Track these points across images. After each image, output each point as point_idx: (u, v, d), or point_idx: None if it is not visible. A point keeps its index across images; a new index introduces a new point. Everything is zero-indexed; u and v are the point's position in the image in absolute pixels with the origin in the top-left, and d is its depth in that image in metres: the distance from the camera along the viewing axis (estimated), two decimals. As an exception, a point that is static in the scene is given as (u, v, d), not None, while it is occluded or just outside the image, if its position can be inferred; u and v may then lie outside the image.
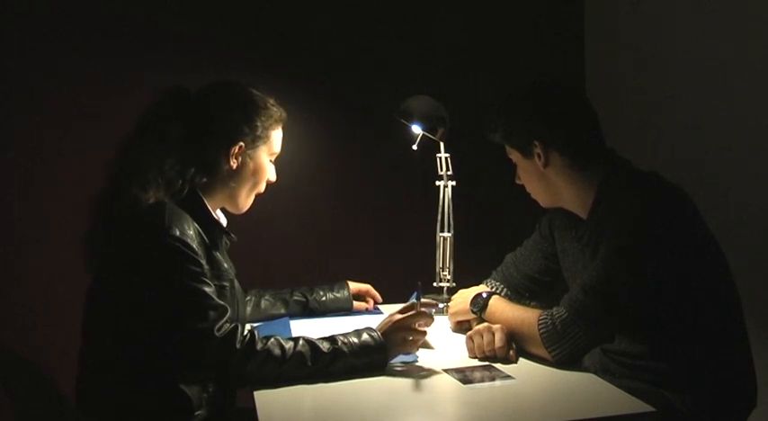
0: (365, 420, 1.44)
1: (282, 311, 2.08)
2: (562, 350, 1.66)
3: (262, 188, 1.84)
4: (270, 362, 1.56)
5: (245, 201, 1.82)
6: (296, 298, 2.10)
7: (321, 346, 1.59)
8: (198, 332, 1.54)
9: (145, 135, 1.69)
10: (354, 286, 2.17)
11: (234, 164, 1.73)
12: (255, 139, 1.75)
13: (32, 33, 2.57)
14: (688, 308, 1.66)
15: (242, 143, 1.73)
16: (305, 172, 2.88)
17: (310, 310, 2.10)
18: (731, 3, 2.34)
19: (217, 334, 1.54)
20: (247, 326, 1.98)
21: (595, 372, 1.68)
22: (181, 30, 2.72)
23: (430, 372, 1.66)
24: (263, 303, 2.08)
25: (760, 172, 2.24)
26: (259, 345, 1.56)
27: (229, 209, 1.83)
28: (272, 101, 1.80)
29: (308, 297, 2.10)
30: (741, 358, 1.70)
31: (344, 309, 2.13)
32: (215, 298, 1.58)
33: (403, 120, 2.24)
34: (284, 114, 1.83)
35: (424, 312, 1.71)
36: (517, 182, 1.91)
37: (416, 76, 2.89)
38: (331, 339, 1.62)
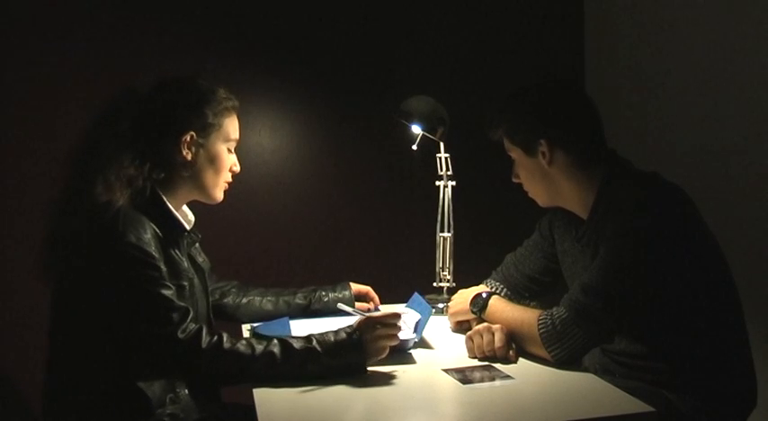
0: (365, 420, 1.44)
1: (284, 312, 2.08)
2: (562, 350, 1.66)
3: (227, 177, 1.82)
4: (238, 361, 1.56)
5: (213, 191, 1.79)
6: (298, 300, 2.09)
7: (294, 345, 1.59)
8: (162, 336, 1.56)
9: (97, 137, 1.69)
10: (355, 287, 2.16)
11: (187, 154, 1.72)
12: (206, 127, 1.73)
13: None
14: (688, 308, 1.66)
15: (192, 132, 1.71)
16: (305, 172, 2.89)
17: (313, 311, 2.09)
18: (732, 2, 2.34)
19: (181, 336, 1.55)
20: (246, 327, 1.99)
21: (595, 372, 1.68)
22: (180, 30, 2.72)
23: (430, 372, 1.66)
24: (266, 303, 2.08)
25: (760, 172, 2.24)
26: (227, 345, 1.57)
27: (202, 200, 1.82)
28: (222, 91, 1.78)
29: (311, 298, 2.10)
30: (741, 358, 1.70)
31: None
32: (175, 300, 1.59)
33: (403, 121, 2.24)
34: (236, 103, 1.81)
35: (397, 315, 1.69)
36: (514, 180, 1.90)
37: (416, 76, 2.90)
38: (306, 338, 1.62)
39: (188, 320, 1.58)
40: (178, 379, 1.65)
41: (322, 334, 1.63)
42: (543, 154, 1.77)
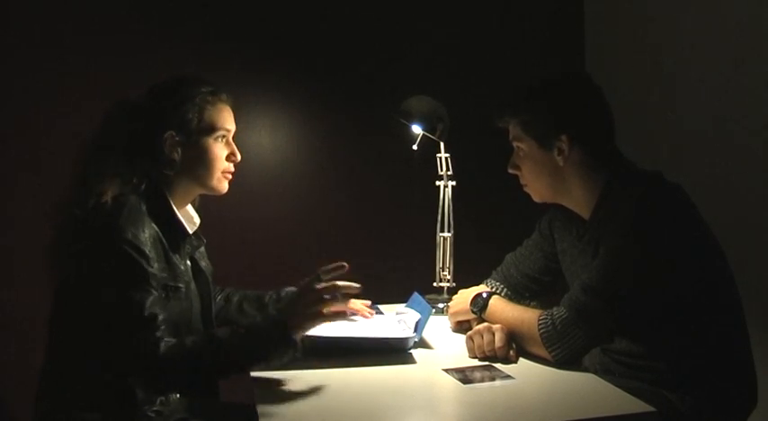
0: (365, 419, 1.44)
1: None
2: (562, 350, 1.66)
3: (225, 168, 1.81)
4: (176, 362, 1.55)
5: (212, 183, 1.79)
6: (271, 295, 2.06)
7: (219, 333, 1.59)
8: (117, 338, 1.55)
9: (94, 138, 1.73)
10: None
11: (171, 153, 1.73)
12: (185, 124, 1.73)
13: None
14: (688, 307, 1.65)
15: (171, 132, 1.73)
16: (305, 172, 2.89)
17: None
18: (732, 1, 2.34)
19: (134, 343, 1.54)
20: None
21: (595, 372, 1.67)
22: (180, 30, 2.72)
23: (430, 372, 1.66)
24: (245, 304, 2.05)
25: (761, 171, 2.24)
26: (164, 352, 1.54)
27: (206, 192, 1.83)
28: (204, 86, 1.78)
29: (281, 294, 2.06)
30: (741, 358, 1.70)
31: None
32: (147, 306, 1.57)
33: (403, 120, 2.24)
34: (222, 95, 1.80)
35: (331, 286, 1.62)
36: (510, 171, 1.86)
37: (416, 76, 2.90)
38: (232, 325, 1.62)
39: (149, 328, 1.56)
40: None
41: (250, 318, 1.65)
42: (560, 149, 1.74)
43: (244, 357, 1.59)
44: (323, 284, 1.62)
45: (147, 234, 1.64)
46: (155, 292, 1.61)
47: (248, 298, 2.07)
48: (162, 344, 1.55)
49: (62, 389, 1.64)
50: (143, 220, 1.64)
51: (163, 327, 1.59)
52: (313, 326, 1.60)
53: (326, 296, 1.60)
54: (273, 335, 1.57)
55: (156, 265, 1.63)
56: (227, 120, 1.80)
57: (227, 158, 1.81)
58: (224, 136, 1.80)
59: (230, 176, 1.83)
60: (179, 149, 1.73)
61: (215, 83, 1.80)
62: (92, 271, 1.60)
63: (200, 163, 1.76)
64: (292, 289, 2.09)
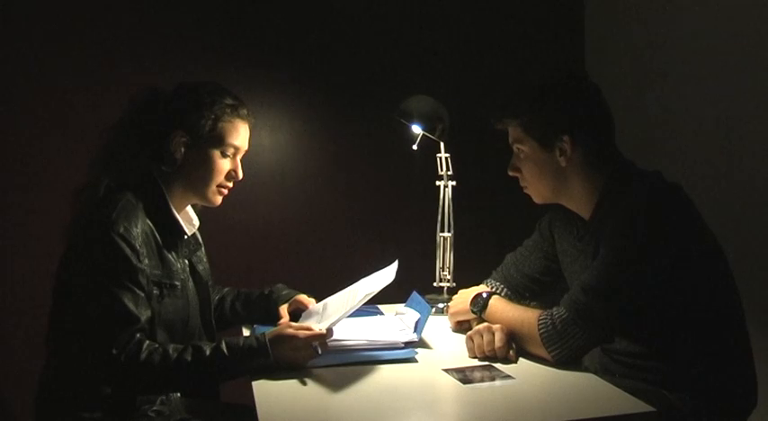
0: (365, 419, 1.44)
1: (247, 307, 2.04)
2: (562, 350, 1.66)
3: (222, 181, 1.79)
4: (153, 371, 1.55)
5: (206, 193, 1.78)
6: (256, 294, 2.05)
7: (205, 350, 1.58)
8: (99, 338, 1.55)
9: (112, 127, 1.75)
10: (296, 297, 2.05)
11: (175, 152, 1.72)
12: (197, 129, 1.72)
13: (23, 32, 2.58)
14: (688, 307, 1.66)
15: (182, 132, 1.72)
16: (305, 172, 2.89)
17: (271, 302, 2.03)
18: (732, 1, 2.34)
19: (113, 343, 1.53)
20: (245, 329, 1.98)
21: (595, 372, 1.67)
22: (181, 29, 2.73)
23: (430, 372, 1.66)
24: (237, 303, 2.05)
25: (760, 171, 2.24)
26: (143, 356, 1.55)
27: (199, 202, 1.83)
28: (230, 98, 1.77)
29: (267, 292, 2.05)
30: (741, 358, 1.70)
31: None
32: (130, 305, 1.57)
33: (403, 121, 2.24)
34: (244, 111, 1.79)
35: (318, 335, 1.66)
36: (511, 173, 1.86)
37: (416, 76, 2.90)
38: (216, 342, 1.61)
39: (128, 330, 1.56)
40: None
41: (234, 338, 1.63)
42: (562, 150, 1.74)
43: (221, 376, 1.62)
44: (315, 330, 1.65)
45: (140, 229, 1.63)
46: (141, 292, 1.60)
47: (239, 296, 2.06)
48: (144, 347, 1.55)
49: (62, 389, 1.64)
50: (137, 215, 1.64)
51: (146, 329, 1.59)
52: (294, 367, 1.63)
53: (315, 344, 1.64)
54: (256, 363, 1.59)
55: (146, 261, 1.63)
56: (238, 137, 1.78)
57: (228, 174, 1.79)
58: (231, 152, 1.78)
59: (225, 192, 1.82)
60: (182, 150, 1.73)
61: (241, 99, 1.81)
62: (81, 263, 1.60)
63: (199, 170, 1.75)
64: (282, 286, 2.08)
